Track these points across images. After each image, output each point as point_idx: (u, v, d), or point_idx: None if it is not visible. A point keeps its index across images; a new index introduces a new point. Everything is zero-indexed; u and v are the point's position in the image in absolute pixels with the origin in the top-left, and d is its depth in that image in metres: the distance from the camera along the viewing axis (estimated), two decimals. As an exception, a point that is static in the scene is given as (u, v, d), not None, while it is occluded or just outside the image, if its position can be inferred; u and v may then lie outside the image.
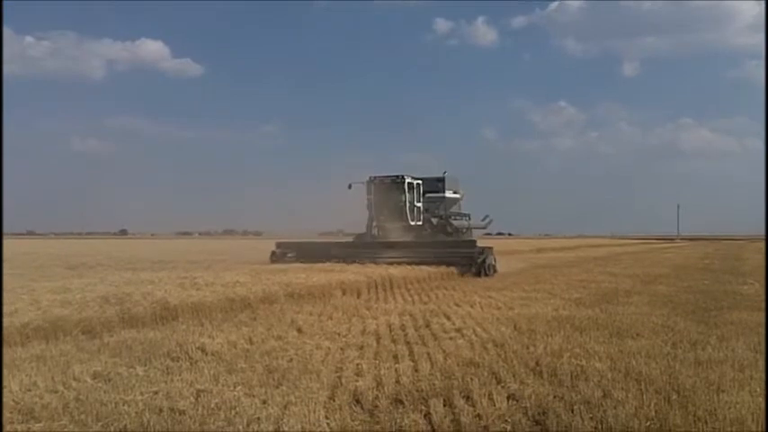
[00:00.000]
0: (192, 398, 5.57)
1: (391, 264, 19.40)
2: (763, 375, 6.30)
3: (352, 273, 16.23)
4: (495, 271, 20.80)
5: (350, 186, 25.82)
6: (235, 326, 9.43)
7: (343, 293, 13.87)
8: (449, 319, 10.35)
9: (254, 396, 5.63)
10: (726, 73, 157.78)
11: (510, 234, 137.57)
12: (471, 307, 11.91)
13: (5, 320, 8.41)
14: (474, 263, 20.26)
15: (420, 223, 25.83)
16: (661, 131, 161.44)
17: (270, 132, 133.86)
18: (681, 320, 10.09)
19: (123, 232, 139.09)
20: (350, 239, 26.89)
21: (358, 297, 13.84)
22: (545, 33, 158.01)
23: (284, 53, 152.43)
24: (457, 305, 12.22)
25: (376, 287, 15.45)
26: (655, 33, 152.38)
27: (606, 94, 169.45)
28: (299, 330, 9.09)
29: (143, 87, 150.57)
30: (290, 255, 23.20)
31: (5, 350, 7.59)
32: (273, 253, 23.66)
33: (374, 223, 26.34)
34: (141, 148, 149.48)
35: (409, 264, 19.43)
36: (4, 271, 18.76)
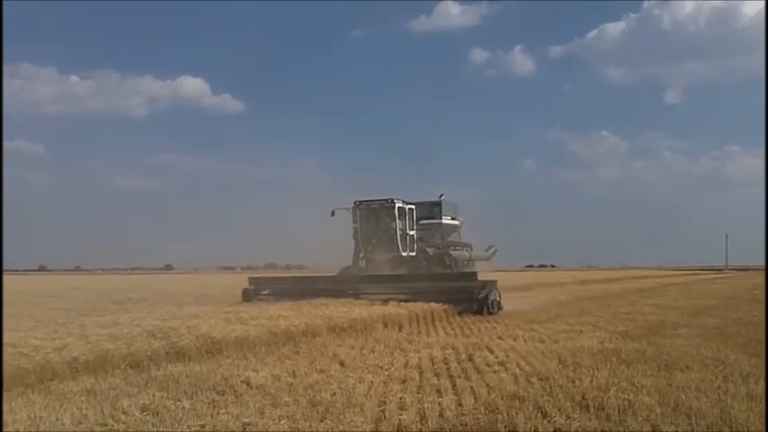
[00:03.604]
0: (238, 431, 5.63)
1: (383, 301, 16.93)
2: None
3: (394, 306, 16.15)
4: (499, 308, 18.06)
5: (333, 213, 23.22)
6: (278, 359, 9.49)
7: (385, 326, 13.82)
8: (492, 352, 10.26)
9: (298, 430, 5.68)
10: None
11: (553, 266, 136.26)
12: (514, 340, 11.79)
13: (57, 355, 8.63)
14: (475, 299, 17.51)
15: (413, 254, 23.09)
16: (706, 160, 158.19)
17: (310, 167, 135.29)
18: (731, 353, 9.85)
19: (168, 267, 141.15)
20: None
21: (400, 330, 13.78)
22: (584, 62, 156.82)
23: (321, 86, 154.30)
24: (500, 338, 12.11)
25: (417, 320, 15.36)
26: (698, 58, 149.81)
27: (649, 123, 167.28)
28: (342, 364, 9.10)
29: (184, 124, 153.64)
30: (265, 292, 20.70)
31: (58, 384, 7.80)
32: (246, 290, 20.76)
33: (361, 254, 23.47)
34: (183, 185, 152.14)
35: (401, 301, 16.99)
36: (56, 306, 19.31)
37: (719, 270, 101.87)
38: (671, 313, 17.61)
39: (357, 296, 17.86)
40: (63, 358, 8.56)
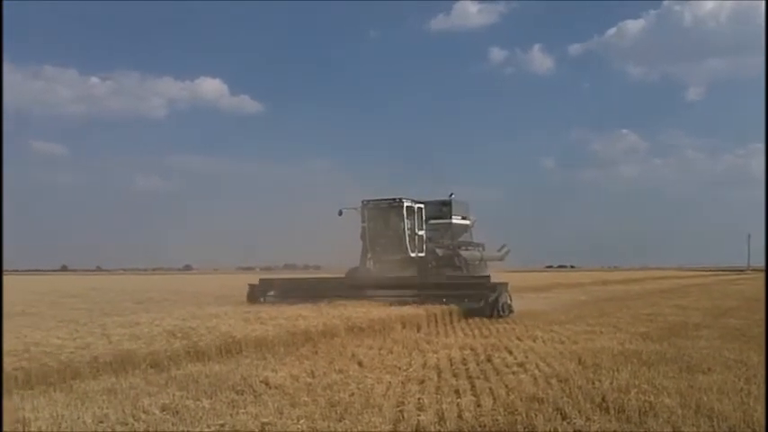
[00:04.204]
0: (257, 431, 5.68)
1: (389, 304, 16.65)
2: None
3: (412, 306, 16.12)
4: (511, 311, 17.45)
5: (340, 212, 22.67)
6: (297, 359, 9.52)
7: (403, 327, 13.83)
8: (511, 353, 10.22)
9: (317, 429, 5.69)
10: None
11: (572, 266, 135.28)
12: (533, 341, 11.73)
13: (78, 354, 8.73)
14: (485, 302, 17.14)
15: (423, 255, 22.52)
16: (729, 157, 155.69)
17: (328, 166, 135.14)
18: (754, 354, 9.72)
19: (187, 268, 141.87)
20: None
21: (418, 331, 13.79)
22: (603, 60, 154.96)
23: (339, 86, 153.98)
24: (519, 339, 12.06)
25: (436, 321, 15.37)
26: (719, 55, 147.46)
27: (669, 120, 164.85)
28: (360, 364, 9.11)
29: (203, 125, 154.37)
30: (271, 293, 20.47)
31: (80, 383, 7.88)
32: (252, 291, 20.50)
33: (369, 255, 22.97)
34: (202, 185, 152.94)
35: (410, 304, 16.72)
36: (78, 306, 19.50)
37: (741, 271, 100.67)
38: (692, 314, 17.44)
39: (364, 299, 17.36)
40: (85, 357, 8.65)
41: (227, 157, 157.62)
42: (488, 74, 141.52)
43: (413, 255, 22.19)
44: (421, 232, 22.65)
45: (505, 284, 17.89)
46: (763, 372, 8.24)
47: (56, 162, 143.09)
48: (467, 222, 26.14)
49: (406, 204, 22.20)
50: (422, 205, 22.90)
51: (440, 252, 23.64)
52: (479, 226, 27.25)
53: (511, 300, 17.94)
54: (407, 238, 22.05)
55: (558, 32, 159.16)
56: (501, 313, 17.05)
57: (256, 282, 21.25)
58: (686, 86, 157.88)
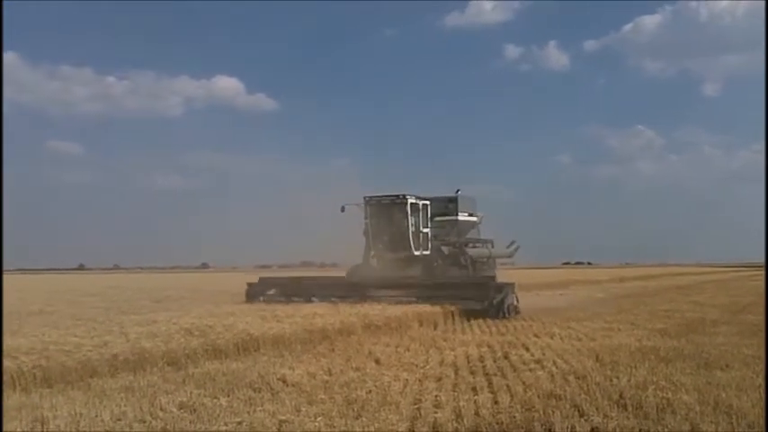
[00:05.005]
0: (274, 428, 5.68)
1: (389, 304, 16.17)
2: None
3: (428, 304, 16.08)
4: (517, 312, 16.83)
5: (343, 209, 22.20)
6: (314, 357, 9.54)
7: (420, 324, 13.84)
8: (528, 350, 10.19)
9: (334, 427, 5.69)
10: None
11: (589, 263, 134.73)
12: (551, 338, 11.69)
13: (96, 353, 8.79)
14: (490, 303, 16.49)
15: (427, 253, 22.02)
16: (745, 153, 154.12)
17: (342, 165, 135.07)
18: (773, 351, 9.64)
19: (204, 266, 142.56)
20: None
21: (435, 328, 13.79)
22: (620, 55, 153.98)
23: (355, 84, 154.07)
24: (536, 336, 12.02)
25: (453, 318, 15.34)
26: (736, 51, 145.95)
27: (686, 116, 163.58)
28: (377, 362, 9.11)
29: (220, 123, 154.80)
30: (270, 292, 20.29)
31: (98, 381, 7.95)
32: (250, 289, 20.47)
33: (372, 253, 22.55)
34: (218, 183, 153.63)
35: (411, 303, 16.35)
36: (96, 305, 19.65)
37: (760, 267, 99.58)
38: (710, 311, 17.31)
39: (364, 299, 17.06)
40: (102, 356, 8.71)
41: (244, 155, 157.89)
42: (504, 71, 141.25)
43: (417, 253, 21.77)
44: (426, 230, 22.17)
45: (512, 285, 17.34)
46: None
47: (72, 161, 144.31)
48: (474, 219, 25.35)
49: (410, 201, 21.72)
50: (427, 202, 22.41)
51: (445, 250, 23.08)
52: (490, 222, 26.70)
53: (518, 300, 17.38)
54: (411, 236, 21.61)
55: (573, 29, 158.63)
56: (506, 315, 16.36)
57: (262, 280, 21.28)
58: (702, 82, 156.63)
